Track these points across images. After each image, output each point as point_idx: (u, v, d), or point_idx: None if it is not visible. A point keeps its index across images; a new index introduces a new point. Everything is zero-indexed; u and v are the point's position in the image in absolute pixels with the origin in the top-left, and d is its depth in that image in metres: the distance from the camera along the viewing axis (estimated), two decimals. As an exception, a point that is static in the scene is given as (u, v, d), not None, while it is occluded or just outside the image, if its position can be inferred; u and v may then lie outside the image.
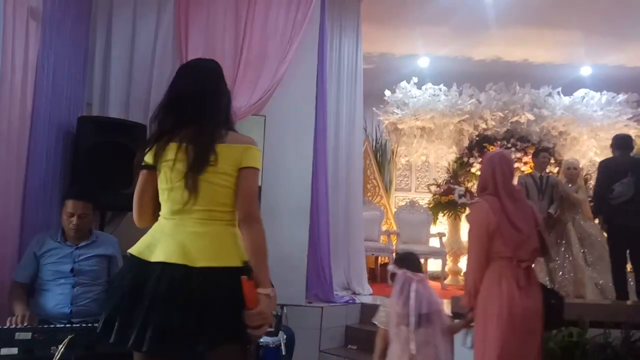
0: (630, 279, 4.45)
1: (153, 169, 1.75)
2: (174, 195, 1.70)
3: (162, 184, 1.74)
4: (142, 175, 1.79)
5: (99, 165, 3.28)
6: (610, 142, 4.88)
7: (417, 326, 2.37)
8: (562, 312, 2.56)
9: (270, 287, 1.65)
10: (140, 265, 1.67)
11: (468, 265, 2.54)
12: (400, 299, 2.43)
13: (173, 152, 1.70)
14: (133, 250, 1.72)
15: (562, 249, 4.94)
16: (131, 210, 1.82)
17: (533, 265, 2.58)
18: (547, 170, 5.55)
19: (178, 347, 1.59)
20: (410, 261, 2.57)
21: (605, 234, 4.78)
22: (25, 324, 2.35)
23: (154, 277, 1.62)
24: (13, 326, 2.32)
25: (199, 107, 1.74)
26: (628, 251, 4.44)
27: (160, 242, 1.69)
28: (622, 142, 4.69)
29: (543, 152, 5.50)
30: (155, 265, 1.64)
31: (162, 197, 1.75)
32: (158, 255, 1.66)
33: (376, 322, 2.60)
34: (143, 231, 1.79)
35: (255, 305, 1.58)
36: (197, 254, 1.64)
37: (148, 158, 1.76)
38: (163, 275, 1.62)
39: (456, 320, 2.73)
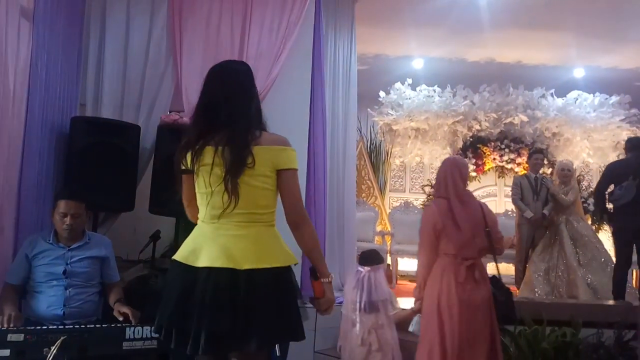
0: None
1: (193, 172, 1.76)
2: (215, 199, 1.71)
3: (200, 188, 1.75)
4: (185, 179, 1.81)
5: (92, 166, 3.26)
6: (602, 143, 4.90)
7: (367, 311, 2.75)
8: (511, 305, 2.79)
9: (329, 276, 1.83)
10: (188, 271, 1.70)
11: (418, 261, 2.78)
12: (351, 289, 2.84)
13: (210, 156, 1.71)
14: (178, 256, 1.74)
15: (556, 249, 4.96)
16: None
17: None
18: (541, 172, 5.59)
19: (231, 348, 1.66)
20: (367, 257, 2.94)
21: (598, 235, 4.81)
22: (11, 325, 2.33)
23: (201, 282, 1.65)
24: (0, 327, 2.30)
25: (230, 111, 1.74)
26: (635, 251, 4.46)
27: (204, 247, 1.71)
28: (633, 144, 4.65)
29: (536, 154, 5.56)
30: (201, 271, 1.67)
31: (201, 201, 1.76)
32: (203, 260, 1.68)
33: (341, 310, 2.99)
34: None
35: (322, 294, 1.81)
36: (242, 256, 1.66)
37: (185, 163, 1.77)
38: (209, 280, 1.65)
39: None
